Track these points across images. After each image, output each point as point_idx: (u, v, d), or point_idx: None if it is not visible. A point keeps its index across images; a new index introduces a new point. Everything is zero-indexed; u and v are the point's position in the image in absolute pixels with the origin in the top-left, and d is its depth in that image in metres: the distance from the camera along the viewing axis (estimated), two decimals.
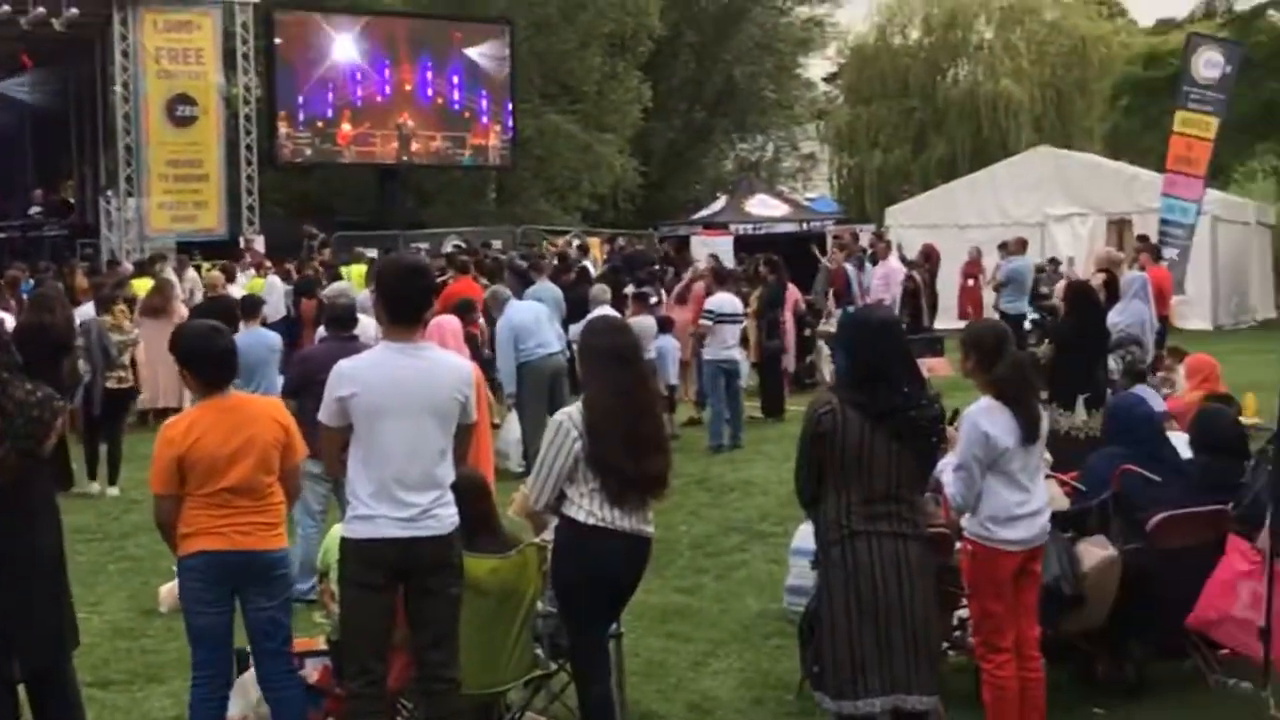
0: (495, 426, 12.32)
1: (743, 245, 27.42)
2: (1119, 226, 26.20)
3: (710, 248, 25.76)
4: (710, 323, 15.20)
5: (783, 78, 48.41)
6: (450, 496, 5.59)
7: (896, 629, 5.49)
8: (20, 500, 5.59)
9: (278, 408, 6.17)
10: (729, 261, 22.37)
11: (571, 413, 5.91)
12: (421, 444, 5.48)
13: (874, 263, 22.09)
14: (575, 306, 15.87)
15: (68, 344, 12.22)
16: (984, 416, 6.00)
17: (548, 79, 38.46)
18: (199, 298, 17.95)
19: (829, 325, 19.47)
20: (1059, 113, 45.03)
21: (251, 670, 6.17)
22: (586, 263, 22.99)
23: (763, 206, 30.81)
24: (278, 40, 29.73)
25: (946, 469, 6.32)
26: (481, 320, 14.31)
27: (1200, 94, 22.58)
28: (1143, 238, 20.77)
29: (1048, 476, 6.89)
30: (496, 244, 28.74)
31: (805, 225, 29.52)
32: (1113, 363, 12.28)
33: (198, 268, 21.17)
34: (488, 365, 12.84)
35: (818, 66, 53.69)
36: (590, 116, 38.87)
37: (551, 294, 16.19)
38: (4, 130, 31.73)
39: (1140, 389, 10.67)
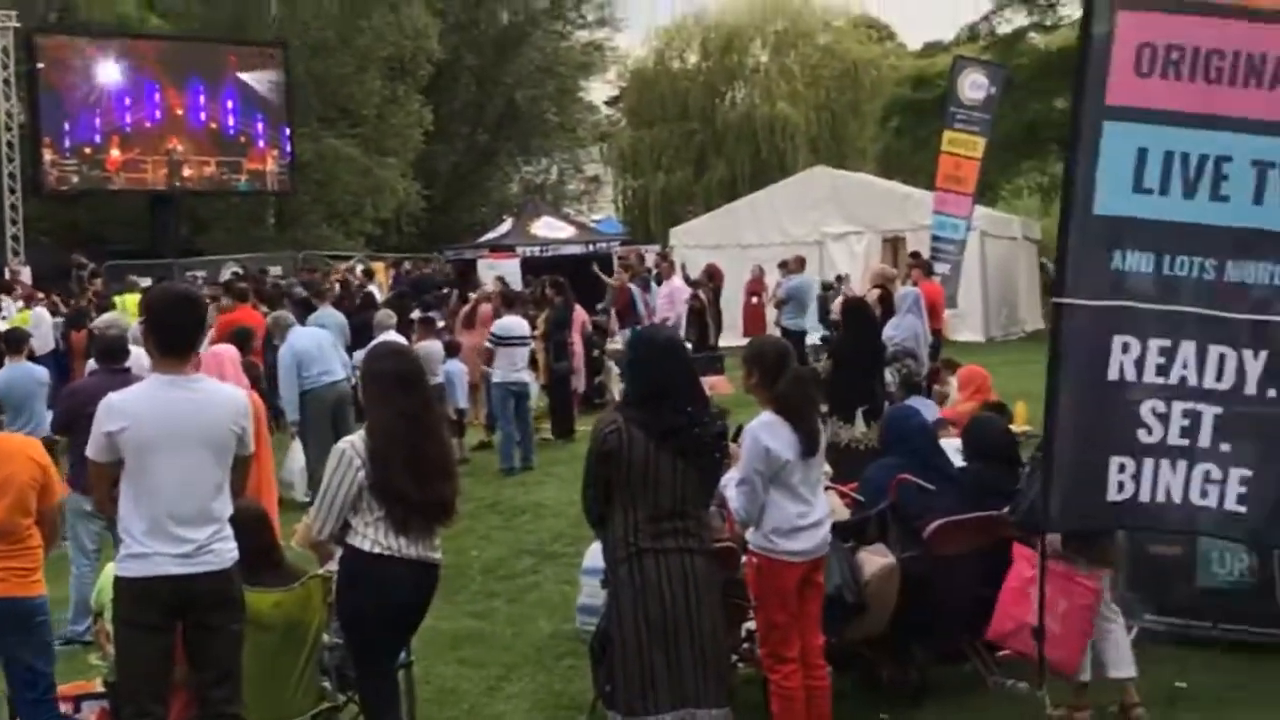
0: None
1: (529, 267, 27.45)
2: (893, 243, 26.95)
3: (497, 270, 25.72)
4: (491, 345, 15.18)
5: (565, 101, 48.69)
6: (229, 530, 5.44)
7: (685, 644, 5.55)
8: None
9: (34, 446, 5.94)
10: (516, 284, 22.35)
11: (354, 441, 5.82)
12: (196, 478, 5.33)
13: (659, 283, 22.34)
14: (360, 332, 15.65)
15: None
16: (765, 431, 6.11)
17: (326, 103, 38.00)
18: None
19: (613, 343, 19.62)
20: (833, 134, 46.36)
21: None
22: (372, 288, 22.70)
23: (548, 229, 30.85)
24: (40, 65, 28.78)
25: (730, 484, 6.41)
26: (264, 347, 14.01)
27: (967, 114, 23.34)
28: (915, 254, 21.36)
29: (828, 488, 7.04)
30: (276, 270, 28.20)
31: (591, 247, 29.66)
32: (889, 376, 12.64)
33: None
34: (269, 394, 12.57)
35: (599, 90, 54.28)
36: (371, 140, 38.53)
37: (335, 320, 15.95)
38: None
39: (915, 400, 11.01)
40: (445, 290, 23.20)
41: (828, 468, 7.81)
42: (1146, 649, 7.18)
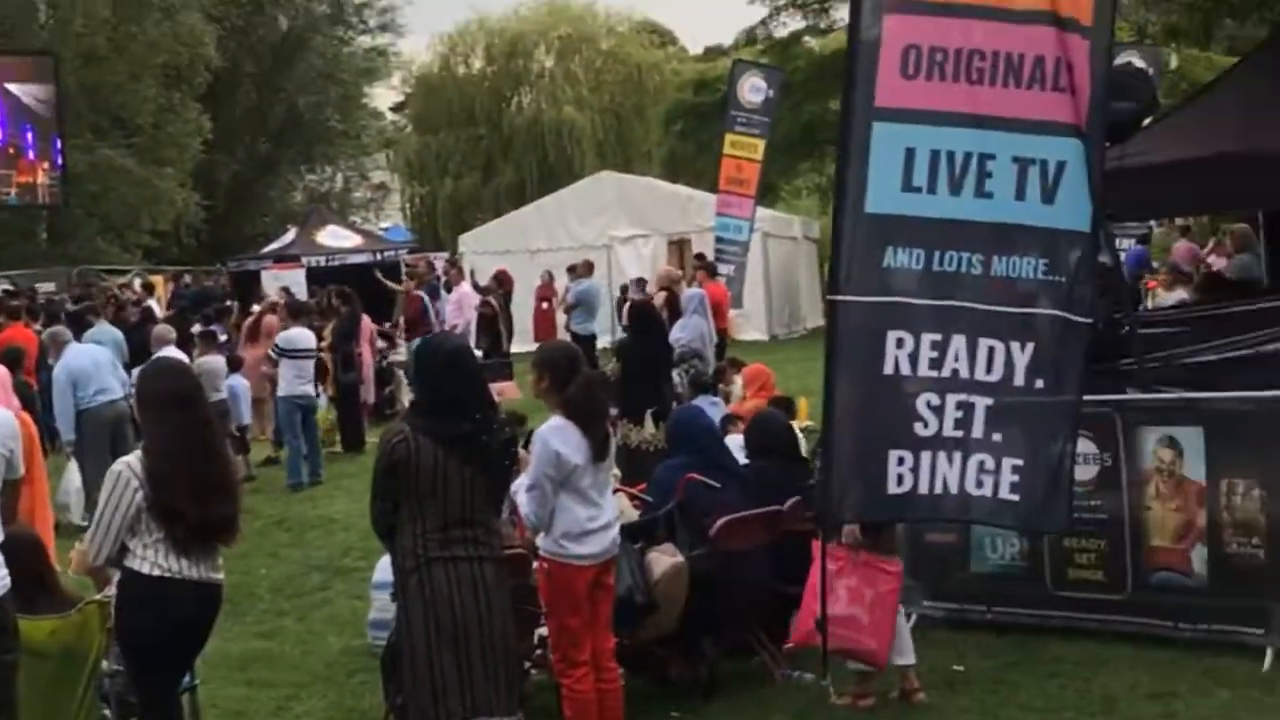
0: None
1: (315, 278, 26.95)
2: (679, 246, 27.30)
3: (282, 281, 25.22)
4: (274, 357, 14.91)
5: (348, 107, 48.05)
6: (0, 557, 5.24)
7: (476, 652, 5.54)
8: None
9: None
10: (301, 295, 21.96)
11: (131, 461, 5.66)
12: None
13: (448, 290, 22.20)
14: (139, 349, 15.18)
15: None
16: (554, 435, 6.13)
17: (100, 112, 36.84)
18: None
19: (398, 354, 19.41)
20: (619, 138, 46.77)
21: None
22: (151, 302, 22.09)
23: (334, 238, 30.30)
24: None
25: (520, 489, 6.42)
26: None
27: (747, 118, 23.75)
28: (700, 256, 21.67)
29: (616, 490, 7.10)
30: (49, 286, 27.16)
31: (379, 255, 29.28)
32: (677, 377, 12.82)
33: None
34: (44, 414, 12.14)
35: (384, 96, 53.73)
36: (147, 150, 37.48)
37: (112, 337, 15.44)
38: None
39: (703, 400, 11.17)
40: (227, 303, 22.65)
41: (617, 470, 7.89)
42: (925, 634, 7.43)
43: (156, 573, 5.55)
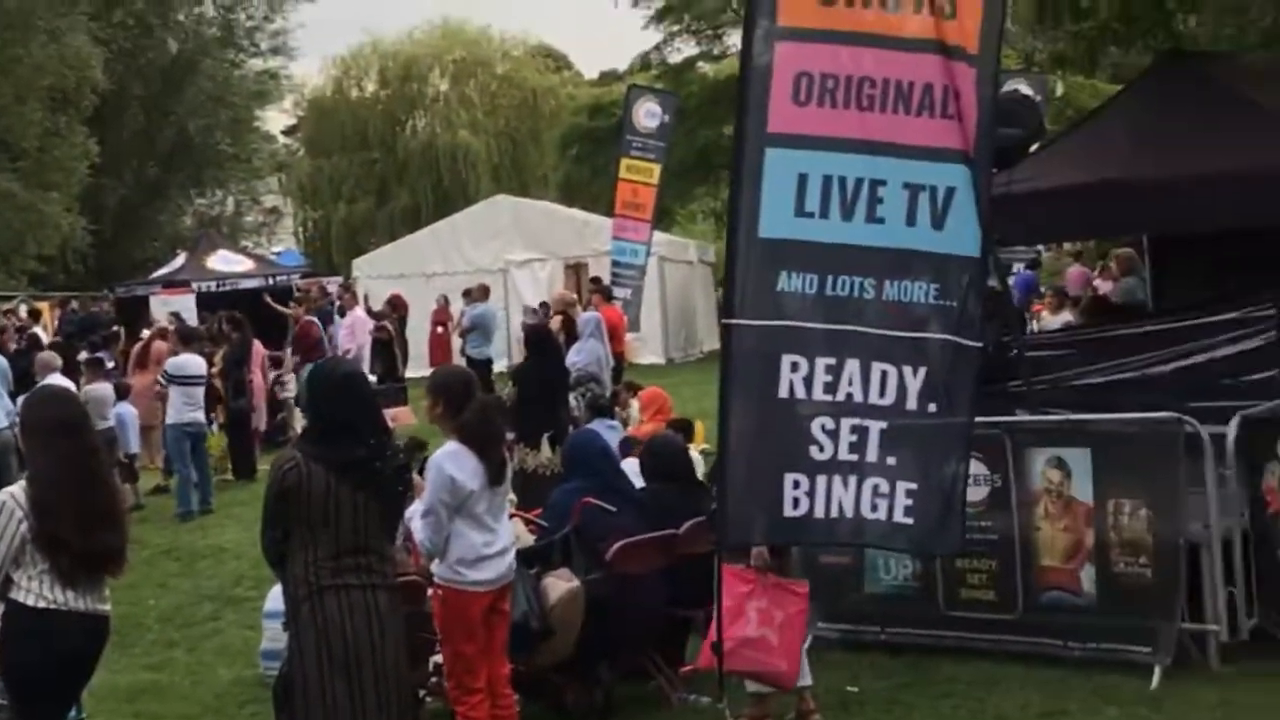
0: None
1: (205, 303, 26.57)
2: (575, 270, 27.36)
3: (171, 307, 24.84)
4: (163, 384, 14.67)
5: (239, 130, 47.37)
6: None
7: (369, 680, 5.46)
8: None
9: None
10: (192, 320, 21.63)
11: (14, 491, 5.55)
12: None
13: (341, 314, 22.01)
14: (23, 376, 14.85)
15: None
16: (450, 461, 6.10)
17: None
18: None
19: (287, 392, 19.12)
20: (514, 162, 46.72)
21: None
22: (37, 329, 21.63)
23: (225, 262, 29.87)
24: None
25: (415, 515, 6.36)
26: None
27: (643, 142, 23.83)
28: (595, 279, 21.73)
29: (512, 515, 7.07)
30: None
31: (271, 280, 28.93)
32: (574, 400, 12.82)
33: None
34: None
35: (276, 119, 53.12)
36: (32, 174, 36.65)
37: None
38: None
39: (599, 423, 11.16)
40: (115, 329, 22.24)
41: (513, 495, 7.86)
42: (820, 655, 7.47)
43: (42, 605, 5.44)
